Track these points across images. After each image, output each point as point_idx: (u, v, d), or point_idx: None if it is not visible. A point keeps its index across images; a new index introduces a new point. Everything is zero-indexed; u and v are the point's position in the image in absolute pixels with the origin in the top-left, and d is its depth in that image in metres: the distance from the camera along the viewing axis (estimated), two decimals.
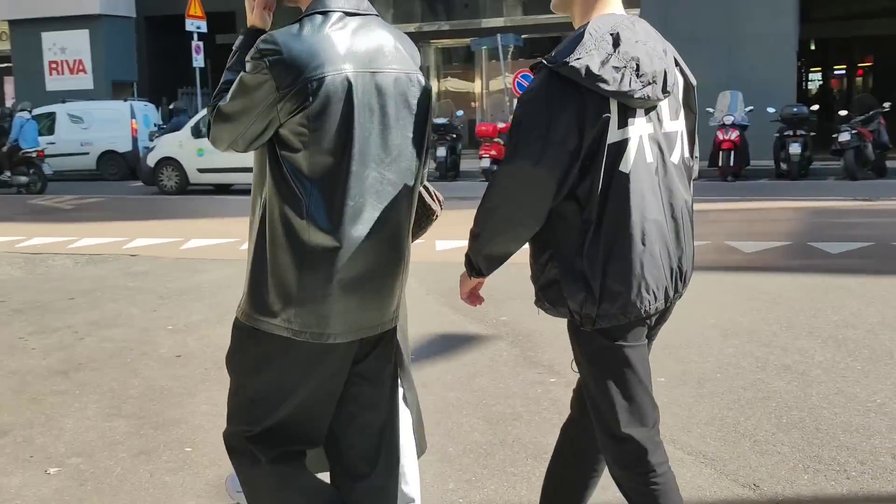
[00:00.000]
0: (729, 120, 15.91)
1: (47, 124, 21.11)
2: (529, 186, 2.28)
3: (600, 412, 2.41)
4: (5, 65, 26.40)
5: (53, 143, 20.68)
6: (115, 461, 4.12)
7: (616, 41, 2.23)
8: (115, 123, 21.12)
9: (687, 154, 2.49)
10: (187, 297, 7.71)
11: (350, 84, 2.27)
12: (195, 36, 21.85)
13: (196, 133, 16.85)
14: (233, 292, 7.73)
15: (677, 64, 2.43)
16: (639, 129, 2.29)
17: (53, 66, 25.08)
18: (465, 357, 5.59)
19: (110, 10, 24.47)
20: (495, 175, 2.36)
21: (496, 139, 17.96)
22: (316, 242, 2.30)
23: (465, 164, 19.29)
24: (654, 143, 2.34)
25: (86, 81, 24.79)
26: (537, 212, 2.32)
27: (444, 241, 9.97)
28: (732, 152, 15.73)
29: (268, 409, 2.46)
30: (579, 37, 2.24)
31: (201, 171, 16.84)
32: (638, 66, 2.22)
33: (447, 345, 5.88)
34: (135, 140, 20.79)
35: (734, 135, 15.79)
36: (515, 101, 13.96)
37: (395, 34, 2.45)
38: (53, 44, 24.92)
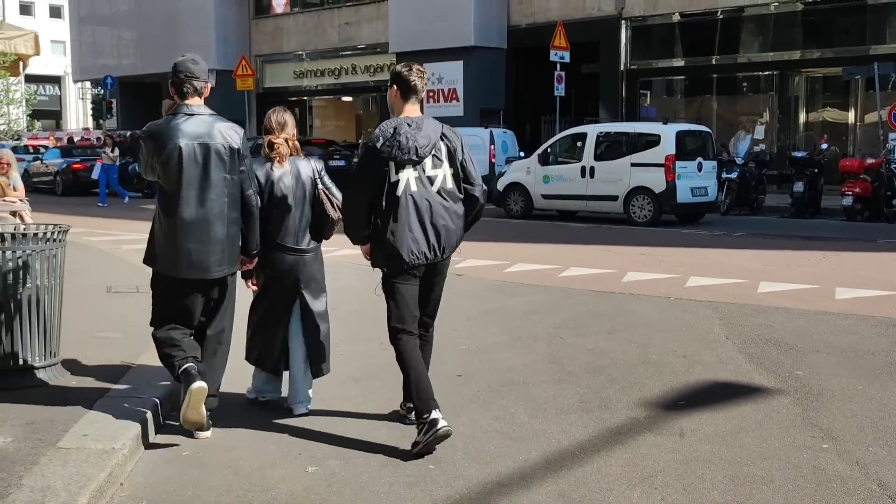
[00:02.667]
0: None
1: None
2: (355, 204, 4.75)
3: (388, 312, 4.84)
4: None
5: None
6: (366, 468, 4.42)
7: (396, 132, 4.58)
8: (476, 149, 22.35)
9: (450, 186, 4.74)
10: (490, 319, 8.03)
11: (181, 148, 4.75)
12: (558, 66, 22.55)
13: (543, 160, 17.41)
14: (536, 318, 7.94)
15: (445, 137, 4.72)
16: (406, 174, 4.62)
17: (431, 94, 27.19)
18: (738, 409, 5.26)
19: (484, 42, 26.05)
20: (343, 194, 4.95)
21: (862, 176, 16.55)
22: (167, 224, 4.83)
23: (827, 201, 17.96)
24: (418, 181, 4.64)
25: (458, 109, 26.60)
26: (360, 215, 4.74)
27: (769, 284, 9.43)
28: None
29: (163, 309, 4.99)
30: (378, 129, 4.66)
31: (545, 196, 17.34)
32: (402, 141, 4.55)
33: (725, 394, 5.58)
34: (492, 165, 21.88)
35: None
36: (891, 134, 12.75)
37: (217, 122, 4.95)
38: (432, 73, 27.03)
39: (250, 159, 5.03)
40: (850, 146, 21.81)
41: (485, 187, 4.96)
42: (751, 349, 6.73)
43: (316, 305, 5.34)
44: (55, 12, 68.22)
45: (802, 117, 23.21)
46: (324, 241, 5.38)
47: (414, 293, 4.76)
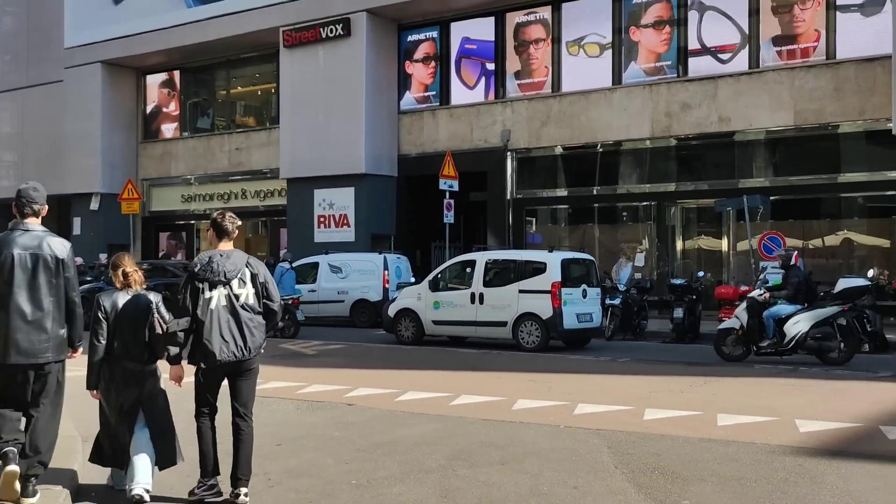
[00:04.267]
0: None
1: (312, 273, 22.91)
2: (176, 314, 6.08)
3: (195, 397, 6.23)
4: (282, 217, 29.17)
5: (314, 291, 22.36)
6: None
7: (210, 260, 6.03)
8: (370, 274, 22.52)
9: (251, 302, 6.05)
10: (382, 451, 7.91)
11: (13, 256, 5.79)
12: (447, 194, 23.09)
13: (434, 286, 17.60)
14: (428, 449, 7.86)
15: (249, 265, 6.13)
16: (217, 291, 5.97)
17: (322, 219, 27.34)
18: None
19: (374, 170, 26.47)
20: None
21: (736, 302, 17.26)
22: None
23: (706, 326, 18.62)
24: (226, 297, 5.98)
25: (349, 234, 26.76)
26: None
27: (655, 410, 9.63)
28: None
29: None
30: (197, 258, 6.18)
31: (436, 322, 17.45)
32: (211, 268, 5.99)
33: None
34: (385, 290, 21.98)
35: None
36: (762, 263, 13.34)
37: (48, 236, 5.99)
38: (323, 199, 27.26)
39: (75, 269, 6.16)
40: (725, 273, 22.84)
41: (281, 303, 6.43)
42: (639, 479, 6.81)
43: (158, 405, 6.37)
44: None
45: (679, 245, 24.25)
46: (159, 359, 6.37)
47: (217, 383, 6.19)
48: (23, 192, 6.03)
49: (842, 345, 13.86)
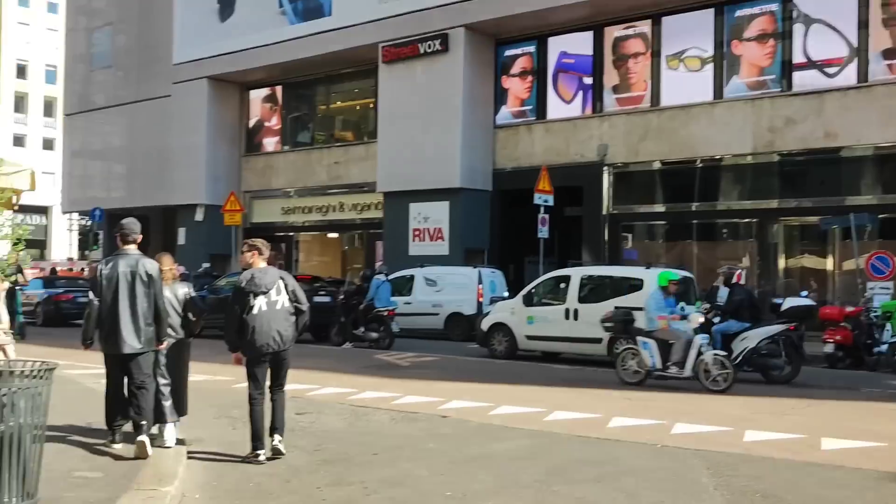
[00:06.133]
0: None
1: (407, 286, 23.10)
2: (230, 319, 7.78)
3: (248, 383, 7.88)
4: (378, 230, 29.54)
5: (409, 304, 22.51)
6: None
7: (252, 276, 7.80)
8: (464, 288, 22.58)
9: (286, 305, 7.82)
10: (477, 464, 7.91)
11: (118, 273, 7.65)
12: (542, 209, 23.01)
13: (528, 301, 17.54)
14: (523, 464, 7.84)
15: (282, 278, 7.91)
16: (260, 299, 7.72)
17: (417, 232, 27.58)
18: None
19: (469, 184, 26.58)
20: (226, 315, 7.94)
21: (842, 323, 16.71)
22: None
23: (810, 347, 18.03)
24: (267, 303, 7.73)
25: (443, 248, 26.92)
26: (233, 328, 7.76)
27: (755, 432, 9.39)
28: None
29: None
30: (241, 276, 7.99)
31: (530, 337, 17.38)
32: (254, 282, 7.76)
33: None
34: (479, 304, 21.99)
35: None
36: (868, 283, 12.75)
37: (141, 259, 7.77)
38: (419, 213, 27.51)
39: (160, 283, 7.90)
40: (829, 294, 22.11)
41: (307, 305, 8.05)
42: (740, 501, 6.65)
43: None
44: (48, 145, 69.49)
45: (782, 263, 23.57)
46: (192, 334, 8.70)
47: (266, 373, 7.85)
48: (125, 226, 7.90)
49: (786, 362, 14.06)
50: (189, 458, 7.74)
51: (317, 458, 8.09)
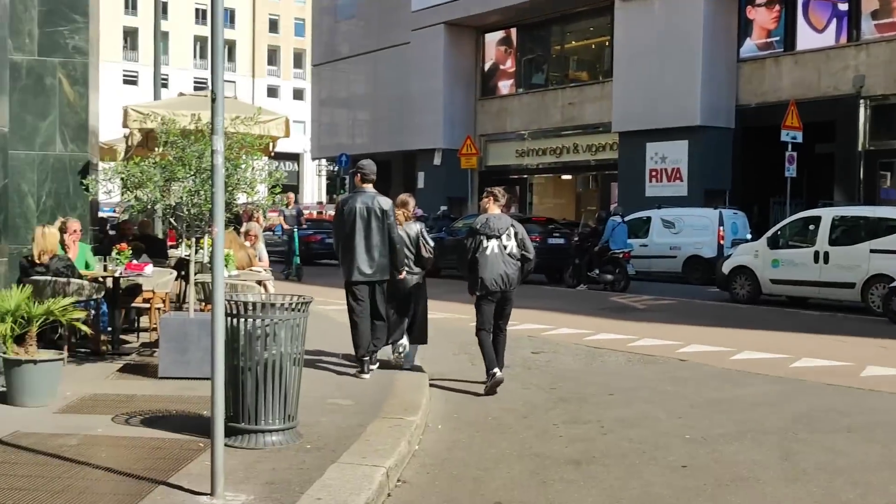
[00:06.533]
0: None
1: (644, 228, 22.68)
2: (466, 258, 8.28)
3: (476, 318, 8.36)
4: (613, 171, 29.12)
5: (646, 246, 22.10)
6: None
7: (487, 220, 8.24)
8: (704, 230, 21.86)
9: (514, 251, 8.20)
10: (717, 408, 7.72)
11: (356, 209, 8.34)
12: (789, 146, 21.75)
13: (773, 244, 16.71)
14: (766, 410, 7.57)
15: (513, 226, 8.26)
16: (492, 242, 8.15)
17: (653, 173, 26.93)
18: None
19: (710, 122, 25.56)
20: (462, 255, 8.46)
21: None
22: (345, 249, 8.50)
23: None
24: (497, 246, 8.14)
25: (681, 189, 26.15)
26: (466, 264, 8.31)
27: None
28: None
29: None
30: (476, 219, 8.57)
31: (775, 281, 16.58)
32: (488, 226, 8.18)
33: None
34: (720, 247, 21.24)
35: None
36: None
37: (377, 196, 8.46)
38: (655, 153, 26.83)
39: (394, 217, 8.49)
40: None
41: (534, 253, 8.43)
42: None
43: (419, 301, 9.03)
44: (298, 95, 73.74)
45: None
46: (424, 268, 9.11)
47: (492, 309, 8.26)
48: (363, 166, 8.61)
49: None
50: (431, 388, 8.08)
51: (553, 395, 8.20)
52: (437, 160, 33.83)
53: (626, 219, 20.54)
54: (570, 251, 20.34)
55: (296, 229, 20.43)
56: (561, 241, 21.24)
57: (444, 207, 29.61)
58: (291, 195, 23.40)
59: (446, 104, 33.72)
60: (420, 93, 34.29)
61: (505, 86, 34.25)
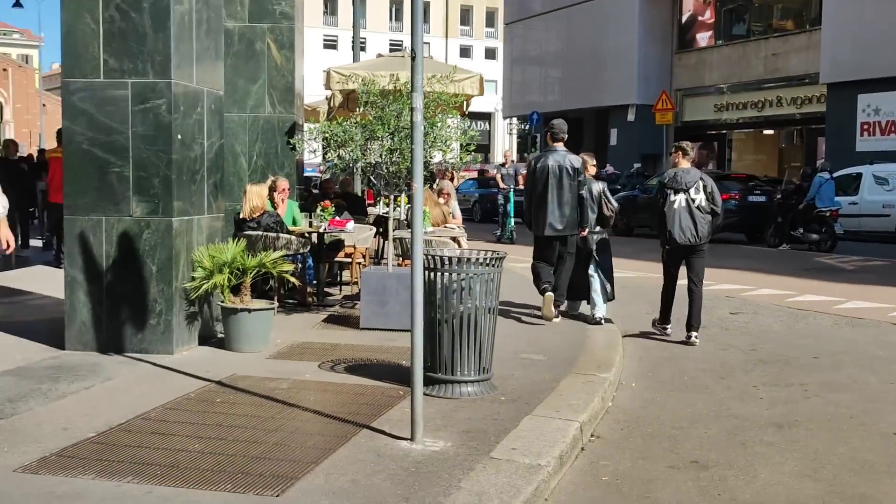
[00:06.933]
0: None
1: (853, 185, 21.35)
2: (654, 212, 8.65)
3: (663, 272, 8.71)
4: (820, 125, 27.51)
5: (855, 204, 20.82)
6: None
7: (675, 174, 8.38)
8: None
9: (703, 204, 8.22)
10: None
11: (548, 167, 8.70)
12: None
13: None
14: None
15: (702, 179, 8.33)
16: (679, 196, 8.26)
17: (865, 126, 25.23)
18: None
19: None
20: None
21: None
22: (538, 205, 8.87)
23: None
24: (685, 200, 8.23)
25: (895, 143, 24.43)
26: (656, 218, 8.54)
27: None
28: None
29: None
30: (666, 173, 8.74)
31: None
32: (676, 180, 8.33)
33: None
34: None
35: None
36: None
37: (567, 155, 8.80)
38: (868, 105, 25.10)
39: (584, 175, 8.83)
40: None
41: (722, 207, 8.41)
42: None
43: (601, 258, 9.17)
44: (490, 54, 73.98)
45: None
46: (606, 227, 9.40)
47: (680, 263, 8.47)
48: (553, 126, 8.92)
49: None
50: (624, 346, 8.03)
51: (752, 357, 7.95)
52: (630, 116, 33.14)
53: (835, 175, 19.41)
54: (772, 209, 19.48)
55: (512, 188, 19.95)
56: (762, 198, 20.36)
57: (637, 165, 29.03)
58: (509, 152, 23.50)
59: (641, 59, 32.90)
60: (613, 48, 33.61)
61: (703, 38, 32.98)
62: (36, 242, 16.08)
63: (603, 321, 8.86)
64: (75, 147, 7.01)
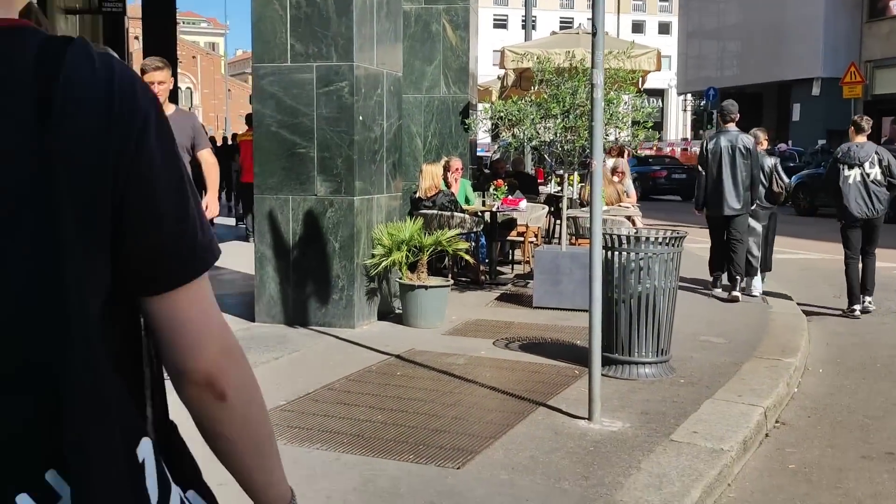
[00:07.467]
0: None
1: None
2: (829, 186, 8.88)
3: (844, 247, 8.70)
4: None
5: None
6: None
7: (849, 149, 8.49)
8: None
9: (879, 178, 8.34)
10: None
11: (721, 147, 8.87)
12: None
13: None
14: None
15: (877, 153, 8.40)
16: (854, 171, 8.38)
17: None
18: None
19: None
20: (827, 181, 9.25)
21: None
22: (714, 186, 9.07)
23: None
24: (860, 175, 8.34)
25: None
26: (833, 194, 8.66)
27: None
28: None
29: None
30: (839, 148, 8.80)
31: None
32: (849, 155, 8.46)
33: None
34: None
35: None
36: None
37: (740, 134, 8.87)
38: None
39: (756, 155, 8.87)
40: None
41: None
42: None
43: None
44: (663, 29, 72.15)
45: None
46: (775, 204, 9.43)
47: (858, 235, 8.52)
48: (724, 107, 9.14)
49: None
50: (808, 331, 7.69)
51: None
52: (815, 90, 31.50)
53: None
54: None
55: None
56: None
57: (822, 142, 27.59)
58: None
59: (827, 29, 31.17)
60: (796, 18, 32.00)
61: None
62: (229, 220, 17.01)
63: (761, 297, 9.00)
64: (265, 129, 7.36)
